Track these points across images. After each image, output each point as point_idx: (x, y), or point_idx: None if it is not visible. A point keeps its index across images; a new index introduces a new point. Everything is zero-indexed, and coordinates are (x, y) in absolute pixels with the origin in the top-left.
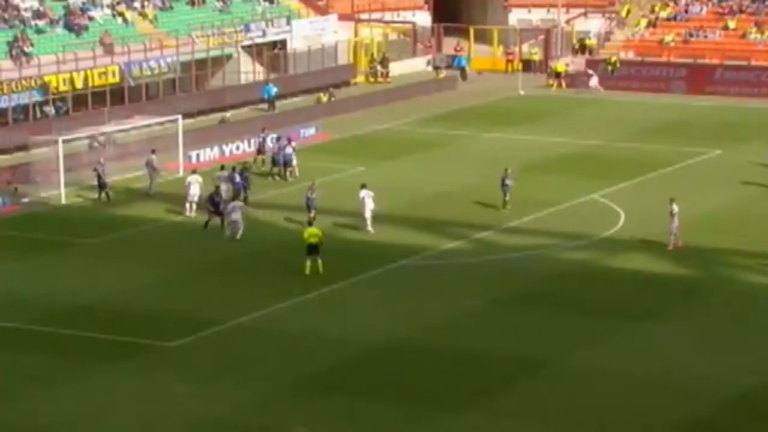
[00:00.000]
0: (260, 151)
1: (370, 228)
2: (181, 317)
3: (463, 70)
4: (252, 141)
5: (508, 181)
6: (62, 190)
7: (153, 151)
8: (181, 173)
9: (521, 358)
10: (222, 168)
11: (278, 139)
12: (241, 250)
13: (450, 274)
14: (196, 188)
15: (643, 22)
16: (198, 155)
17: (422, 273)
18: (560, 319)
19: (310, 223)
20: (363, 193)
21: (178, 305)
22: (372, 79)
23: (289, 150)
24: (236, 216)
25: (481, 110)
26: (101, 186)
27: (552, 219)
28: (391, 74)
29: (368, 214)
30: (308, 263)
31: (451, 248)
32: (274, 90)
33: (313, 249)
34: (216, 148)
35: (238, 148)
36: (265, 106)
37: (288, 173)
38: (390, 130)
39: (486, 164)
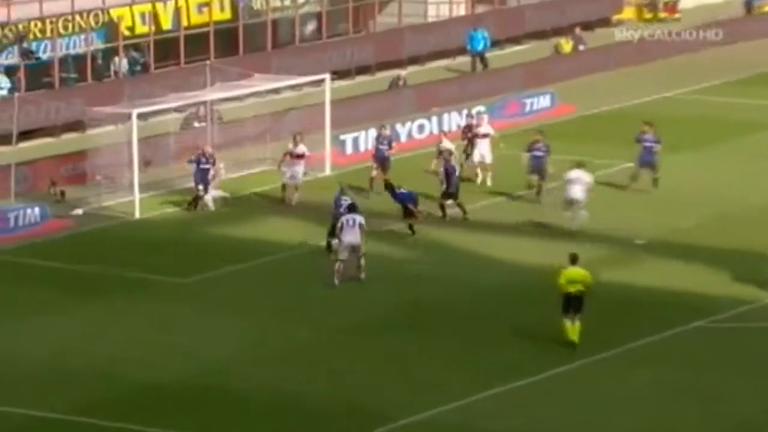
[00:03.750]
0: (468, 139)
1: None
2: (318, 408)
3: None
4: (452, 121)
5: None
6: (136, 195)
7: (296, 138)
8: (327, 170)
9: None
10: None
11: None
12: (415, 298)
13: None
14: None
15: None
16: (355, 141)
17: (730, 342)
18: None
19: (573, 260)
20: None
21: (312, 388)
22: (648, 15)
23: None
24: (353, 237)
25: None
26: (202, 190)
27: None
28: (681, 6)
29: None
30: (568, 325)
31: None
32: (485, 38)
33: (573, 302)
34: (387, 130)
35: (421, 129)
36: (467, 60)
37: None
38: (679, 101)
39: None
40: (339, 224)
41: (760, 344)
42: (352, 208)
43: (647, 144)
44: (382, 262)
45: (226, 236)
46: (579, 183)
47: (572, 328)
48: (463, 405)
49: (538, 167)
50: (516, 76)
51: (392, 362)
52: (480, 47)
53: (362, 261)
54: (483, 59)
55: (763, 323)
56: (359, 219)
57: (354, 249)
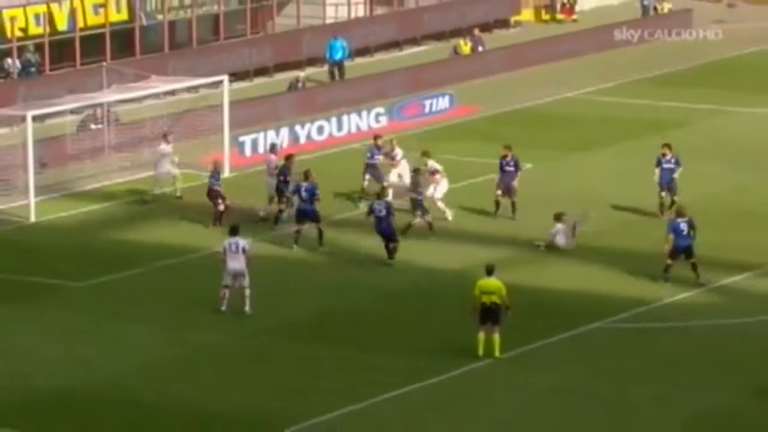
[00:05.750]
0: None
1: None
2: (225, 417)
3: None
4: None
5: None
6: (31, 198)
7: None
8: (226, 172)
9: None
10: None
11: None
12: (319, 302)
13: (678, 346)
14: None
15: None
16: (254, 142)
17: (629, 343)
18: None
19: (489, 271)
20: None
21: (219, 397)
22: (547, 16)
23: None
24: (237, 264)
25: (737, 67)
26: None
27: None
28: (578, 8)
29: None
30: (481, 337)
31: (680, 301)
32: (344, 48)
33: (489, 314)
34: (285, 131)
35: (321, 130)
36: (367, 61)
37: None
38: (577, 102)
39: (747, 158)
40: (222, 248)
41: (658, 346)
42: (234, 231)
43: (667, 166)
44: (287, 267)
45: (125, 240)
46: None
47: (488, 340)
48: (358, 410)
49: (507, 184)
50: (415, 76)
51: (295, 367)
52: (338, 56)
53: (247, 292)
54: (341, 69)
55: (660, 323)
56: (242, 244)
57: (237, 275)
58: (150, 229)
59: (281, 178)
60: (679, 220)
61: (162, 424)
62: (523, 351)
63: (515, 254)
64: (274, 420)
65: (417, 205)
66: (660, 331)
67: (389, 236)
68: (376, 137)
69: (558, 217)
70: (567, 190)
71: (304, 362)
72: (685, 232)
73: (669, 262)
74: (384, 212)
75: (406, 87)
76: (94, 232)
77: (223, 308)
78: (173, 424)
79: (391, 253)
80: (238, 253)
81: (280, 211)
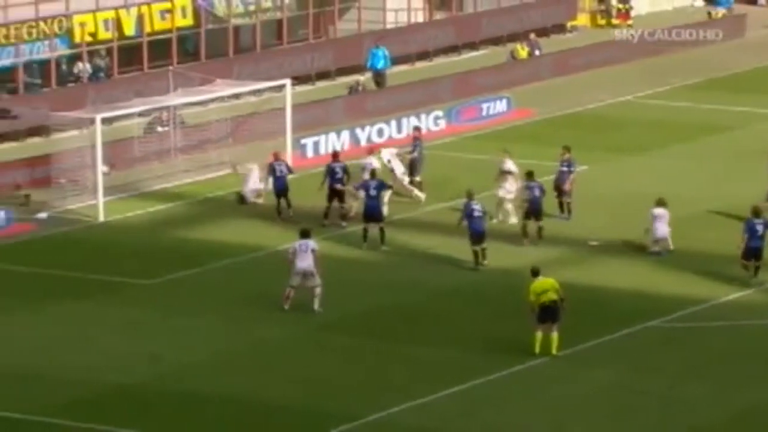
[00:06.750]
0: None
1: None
2: (286, 409)
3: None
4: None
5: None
6: (100, 198)
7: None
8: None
9: None
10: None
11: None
12: (371, 300)
13: (730, 345)
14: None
15: None
16: (316, 144)
17: (682, 342)
18: None
19: (535, 273)
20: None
21: (280, 390)
22: (603, 21)
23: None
24: (306, 263)
25: None
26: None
27: None
28: (634, 13)
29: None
30: (539, 336)
31: (735, 300)
32: (386, 57)
33: (549, 313)
34: (346, 133)
35: (381, 133)
36: (426, 65)
37: None
38: (632, 105)
39: None
40: (291, 249)
41: (711, 344)
42: (305, 234)
43: None
44: (345, 265)
45: (190, 238)
46: (663, 220)
47: (546, 339)
48: (418, 405)
49: (559, 184)
50: (472, 81)
51: (351, 363)
52: (380, 65)
53: (317, 291)
54: (381, 77)
55: (714, 322)
56: (312, 245)
57: (306, 275)
58: (215, 228)
59: (337, 176)
60: (755, 220)
61: (222, 415)
62: (578, 349)
63: (570, 253)
64: (334, 414)
65: (534, 209)
66: (712, 330)
67: (483, 237)
68: (416, 129)
69: (661, 202)
70: (621, 191)
71: (361, 358)
72: (760, 233)
73: (744, 263)
74: (481, 213)
75: (463, 90)
76: (160, 231)
77: (286, 307)
78: (233, 416)
79: (485, 257)
80: (307, 252)
81: (329, 208)
